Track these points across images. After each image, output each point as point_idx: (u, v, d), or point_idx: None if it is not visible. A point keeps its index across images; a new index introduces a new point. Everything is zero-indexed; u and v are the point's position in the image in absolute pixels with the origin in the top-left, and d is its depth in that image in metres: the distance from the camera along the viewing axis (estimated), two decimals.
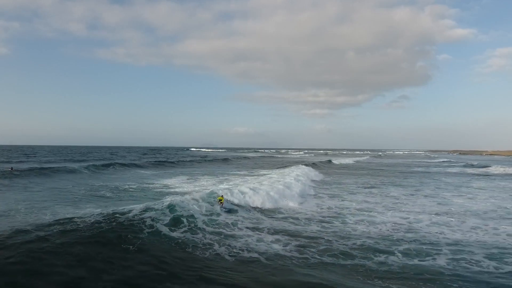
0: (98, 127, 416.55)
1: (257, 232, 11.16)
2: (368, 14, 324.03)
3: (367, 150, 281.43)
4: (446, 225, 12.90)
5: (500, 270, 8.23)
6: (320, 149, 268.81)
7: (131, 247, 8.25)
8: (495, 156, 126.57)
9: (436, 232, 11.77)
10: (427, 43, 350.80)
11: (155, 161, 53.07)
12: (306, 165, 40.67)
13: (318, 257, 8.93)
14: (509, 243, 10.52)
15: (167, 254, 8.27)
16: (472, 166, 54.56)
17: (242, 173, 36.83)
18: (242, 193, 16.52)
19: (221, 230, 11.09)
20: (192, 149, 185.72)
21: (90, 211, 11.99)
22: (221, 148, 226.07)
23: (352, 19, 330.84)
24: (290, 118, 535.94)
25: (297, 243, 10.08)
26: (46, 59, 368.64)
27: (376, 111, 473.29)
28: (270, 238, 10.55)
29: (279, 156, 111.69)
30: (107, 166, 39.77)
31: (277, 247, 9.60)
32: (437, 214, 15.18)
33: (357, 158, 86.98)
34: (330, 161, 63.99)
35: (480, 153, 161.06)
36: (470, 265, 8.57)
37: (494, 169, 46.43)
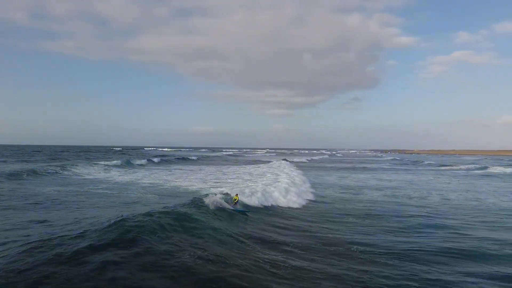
0: (43, 124, 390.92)
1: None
2: (323, 18, 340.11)
3: (324, 149, 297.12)
4: None
5: None
6: (281, 149, 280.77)
7: None
8: (422, 154, 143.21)
9: None
10: (376, 49, 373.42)
11: None
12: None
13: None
14: None
15: None
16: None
17: None
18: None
19: None
20: (146, 148, 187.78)
21: None
22: (183, 148, 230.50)
23: (308, 22, 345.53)
24: (251, 118, 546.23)
25: None
26: None
27: (331, 112, 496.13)
28: None
29: (229, 158, 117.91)
30: None
31: None
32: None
33: (311, 157, 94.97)
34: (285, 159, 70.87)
35: (407, 152, 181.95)
36: None
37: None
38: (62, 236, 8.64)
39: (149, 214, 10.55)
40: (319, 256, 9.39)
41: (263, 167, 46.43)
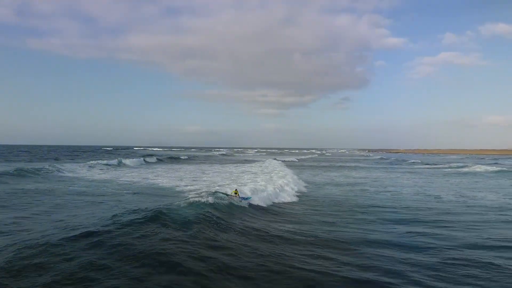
0: (29, 124, 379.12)
1: None
2: (313, 18, 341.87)
3: (314, 149, 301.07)
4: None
5: None
6: (272, 148, 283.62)
7: None
8: (407, 154, 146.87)
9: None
10: (364, 49, 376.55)
11: None
12: None
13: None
14: None
15: None
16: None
17: None
18: None
19: None
20: (136, 148, 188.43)
21: None
22: (174, 148, 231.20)
23: (299, 22, 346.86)
24: (242, 117, 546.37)
25: None
26: None
27: (322, 112, 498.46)
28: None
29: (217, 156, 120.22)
30: None
31: None
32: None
33: (300, 157, 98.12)
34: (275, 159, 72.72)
35: (392, 151, 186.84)
36: None
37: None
38: (47, 230, 10.35)
39: (135, 211, 12.08)
40: (255, 237, 11.18)
41: (242, 167, 48.24)
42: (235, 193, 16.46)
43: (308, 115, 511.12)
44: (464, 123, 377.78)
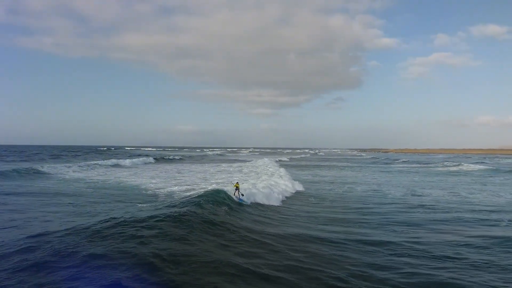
0: (20, 123, 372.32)
1: None
2: (307, 18, 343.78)
3: (308, 148, 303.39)
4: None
5: None
6: (267, 148, 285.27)
7: None
8: (397, 154, 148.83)
9: None
10: (358, 50, 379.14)
11: None
12: None
13: None
14: None
15: None
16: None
17: None
18: None
19: None
20: (128, 148, 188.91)
21: None
22: (168, 148, 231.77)
23: (293, 23, 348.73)
24: (237, 117, 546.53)
25: None
26: None
27: (316, 112, 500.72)
28: None
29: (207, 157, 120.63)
30: None
31: None
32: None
33: (291, 156, 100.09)
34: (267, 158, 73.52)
35: (382, 151, 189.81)
36: None
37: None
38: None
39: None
40: (203, 235, 12.08)
41: (221, 166, 49.23)
42: (236, 187, 16.49)
43: (302, 115, 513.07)
44: (456, 123, 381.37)
